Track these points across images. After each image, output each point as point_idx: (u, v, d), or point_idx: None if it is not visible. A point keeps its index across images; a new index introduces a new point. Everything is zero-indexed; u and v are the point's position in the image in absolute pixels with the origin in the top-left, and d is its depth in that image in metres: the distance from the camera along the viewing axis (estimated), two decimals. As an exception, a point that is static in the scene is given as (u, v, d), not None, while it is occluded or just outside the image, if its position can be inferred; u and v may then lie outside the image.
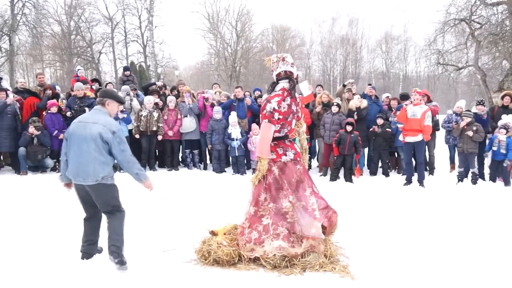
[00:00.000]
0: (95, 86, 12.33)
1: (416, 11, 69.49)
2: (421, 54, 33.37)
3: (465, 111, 9.56)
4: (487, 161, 9.57)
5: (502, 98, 10.00)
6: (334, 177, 9.65)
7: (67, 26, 36.56)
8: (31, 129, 9.74)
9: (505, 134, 8.95)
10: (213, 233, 4.74)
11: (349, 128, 9.54)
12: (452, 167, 10.65)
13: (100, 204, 4.41)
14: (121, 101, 4.73)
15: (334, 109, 10.03)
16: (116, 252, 4.26)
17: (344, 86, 11.22)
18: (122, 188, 8.08)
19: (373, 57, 52.98)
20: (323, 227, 4.60)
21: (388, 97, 11.51)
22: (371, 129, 10.15)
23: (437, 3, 44.33)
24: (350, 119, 9.72)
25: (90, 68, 37.81)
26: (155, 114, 10.39)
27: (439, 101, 19.40)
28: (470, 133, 8.94)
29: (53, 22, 35.67)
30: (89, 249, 4.57)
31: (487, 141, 9.45)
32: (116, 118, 10.20)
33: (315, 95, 10.64)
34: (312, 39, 52.94)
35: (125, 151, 4.39)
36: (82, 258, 4.52)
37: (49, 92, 10.84)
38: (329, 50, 52.13)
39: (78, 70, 13.40)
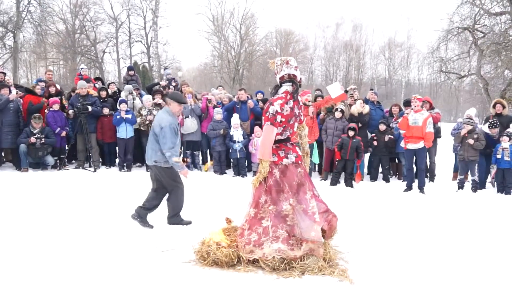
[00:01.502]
0: (98, 84, 12.36)
1: (420, 19, 69.60)
2: (424, 61, 33.31)
3: (466, 119, 9.54)
4: (493, 172, 9.51)
5: (494, 106, 9.99)
6: (334, 182, 9.64)
7: (72, 25, 36.58)
8: (33, 139, 9.72)
9: (509, 142, 8.92)
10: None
11: (351, 133, 9.55)
12: (455, 176, 10.56)
13: (161, 181, 5.82)
14: (179, 101, 5.68)
15: (338, 114, 10.02)
16: (171, 215, 5.91)
17: (346, 92, 11.22)
18: (124, 188, 8.08)
19: (376, 64, 53.07)
20: (323, 231, 4.59)
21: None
22: (372, 135, 10.14)
23: (441, 12, 44.54)
24: (352, 124, 9.72)
25: (93, 67, 37.81)
26: (155, 113, 10.40)
27: (441, 109, 19.40)
28: (471, 141, 8.92)
29: (58, 20, 35.73)
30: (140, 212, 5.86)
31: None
32: (119, 121, 10.26)
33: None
34: (315, 44, 53.07)
35: (166, 143, 5.47)
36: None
37: (52, 89, 10.88)
38: (332, 55, 52.22)
39: (81, 68, 13.43)
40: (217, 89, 12.80)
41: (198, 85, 42.48)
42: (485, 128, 9.68)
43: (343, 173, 9.83)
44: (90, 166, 10.64)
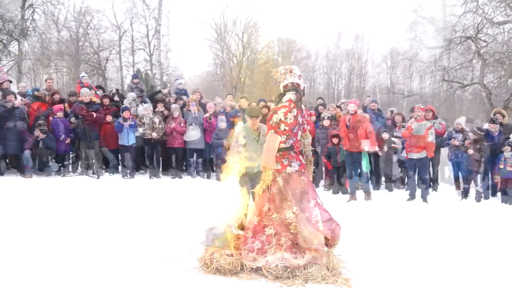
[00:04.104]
0: (100, 92, 12.40)
1: (422, 28, 69.63)
2: (426, 70, 33.27)
3: (476, 128, 9.40)
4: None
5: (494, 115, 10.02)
6: (336, 191, 9.64)
7: (75, 33, 36.68)
8: (37, 132, 9.82)
9: (511, 151, 8.89)
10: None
11: (335, 140, 9.53)
12: (457, 185, 10.49)
13: None
14: (248, 115, 5.73)
15: (326, 122, 9.95)
16: None
17: (338, 107, 11.26)
18: (127, 194, 8.07)
19: (378, 72, 52.98)
20: (326, 239, 4.58)
21: (392, 111, 11.52)
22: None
23: (444, 20, 44.51)
24: (335, 132, 9.69)
25: (96, 75, 37.86)
26: (157, 120, 10.45)
27: (443, 117, 19.38)
28: (470, 151, 8.87)
29: (62, 28, 35.82)
30: None
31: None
32: (121, 127, 10.30)
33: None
34: (317, 52, 53.02)
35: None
36: None
37: (56, 96, 10.96)
38: (334, 63, 52.14)
39: (82, 77, 13.50)
40: (226, 97, 12.80)
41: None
42: (485, 125, 9.72)
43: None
44: (93, 173, 10.67)
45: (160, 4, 28.35)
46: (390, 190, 10.12)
